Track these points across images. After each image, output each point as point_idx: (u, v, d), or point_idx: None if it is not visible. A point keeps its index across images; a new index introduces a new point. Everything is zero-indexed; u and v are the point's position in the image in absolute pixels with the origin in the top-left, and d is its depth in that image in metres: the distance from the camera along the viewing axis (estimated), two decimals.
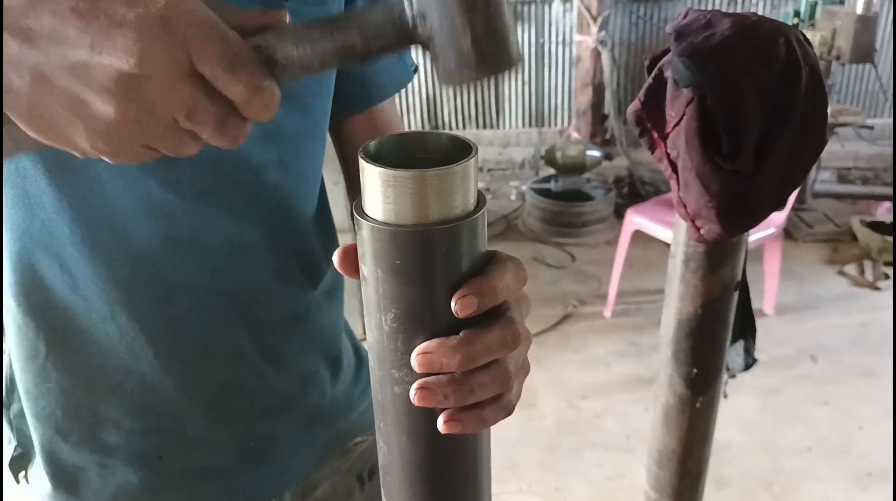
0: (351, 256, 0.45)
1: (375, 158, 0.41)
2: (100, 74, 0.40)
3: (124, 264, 0.69)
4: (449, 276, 0.42)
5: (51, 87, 0.41)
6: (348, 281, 0.92)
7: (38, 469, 0.81)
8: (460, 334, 0.43)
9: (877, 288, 3.48)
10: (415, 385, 0.43)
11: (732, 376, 0.89)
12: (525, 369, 0.49)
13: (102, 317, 0.71)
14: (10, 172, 0.66)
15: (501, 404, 0.47)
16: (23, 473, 0.84)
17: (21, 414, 0.81)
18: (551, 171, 4.31)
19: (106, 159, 0.44)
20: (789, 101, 0.71)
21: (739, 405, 2.73)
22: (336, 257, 0.45)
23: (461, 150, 0.43)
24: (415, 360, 0.42)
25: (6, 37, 0.40)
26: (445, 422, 0.44)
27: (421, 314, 0.43)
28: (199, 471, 0.81)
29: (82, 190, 0.66)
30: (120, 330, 0.72)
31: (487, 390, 0.45)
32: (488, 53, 0.42)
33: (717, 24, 0.73)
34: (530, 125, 4.93)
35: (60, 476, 0.79)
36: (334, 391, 0.89)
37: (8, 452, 0.85)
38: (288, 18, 0.46)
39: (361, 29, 0.43)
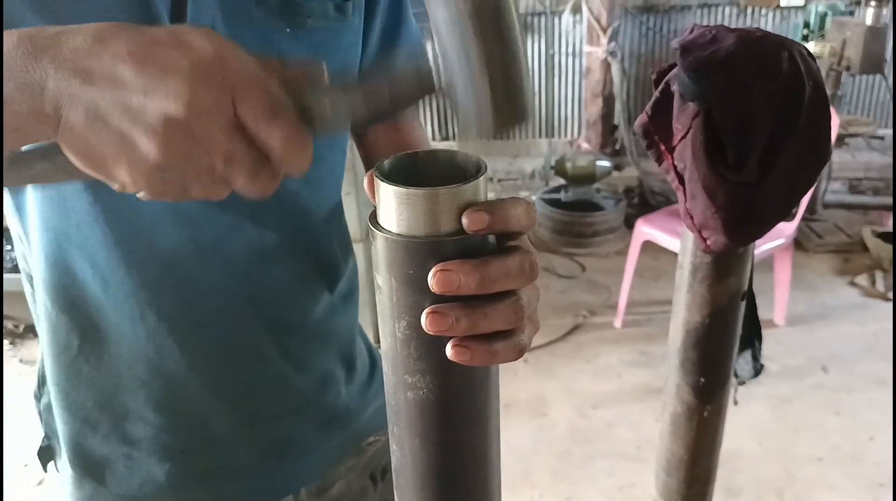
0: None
1: (389, 176, 0.43)
2: (149, 115, 0.42)
3: (152, 267, 0.73)
4: None
5: (103, 124, 0.43)
6: (362, 288, 0.94)
7: (65, 459, 0.84)
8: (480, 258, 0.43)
9: (888, 299, 3.46)
10: (426, 311, 0.43)
11: (742, 383, 0.90)
12: (535, 322, 0.49)
13: (132, 317, 0.74)
14: None
15: (513, 341, 0.46)
16: (52, 463, 0.87)
17: (49, 408, 0.84)
18: (561, 181, 4.32)
19: (141, 196, 0.46)
20: (793, 113, 0.73)
21: (751, 414, 2.73)
22: (367, 182, 0.46)
23: (472, 167, 0.45)
24: (432, 279, 0.42)
25: (69, 75, 0.42)
26: (454, 347, 0.43)
27: None
28: (220, 468, 0.84)
29: (114, 197, 0.69)
30: (148, 330, 0.75)
31: (501, 318, 0.44)
32: (506, 107, 0.44)
33: (722, 40, 0.75)
34: (541, 136, 4.95)
35: (88, 466, 0.82)
36: (349, 391, 0.92)
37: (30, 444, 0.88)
38: (326, 72, 0.48)
39: (392, 89, 0.45)
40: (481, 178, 0.43)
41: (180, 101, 0.42)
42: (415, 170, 0.46)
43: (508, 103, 0.44)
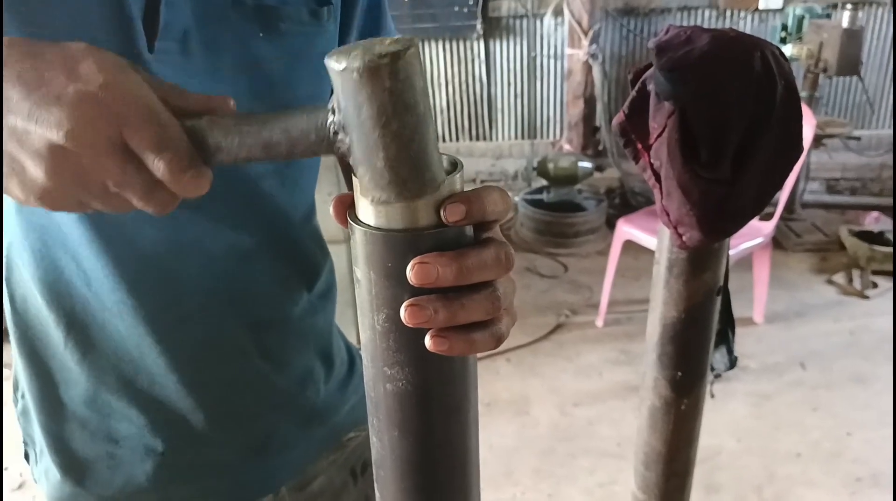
0: (344, 205, 0.46)
1: None
2: (33, 140, 0.42)
3: (133, 265, 0.73)
4: None
5: None
6: (340, 289, 0.95)
7: (42, 464, 0.84)
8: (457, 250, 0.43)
9: (865, 297, 3.51)
10: (405, 304, 0.43)
11: (717, 375, 0.92)
12: (512, 314, 0.49)
13: (113, 314, 0.75)
14: None
15: (491, 331, 0.46)
16: (35, 466, 0.87)
17: (25, 412, 0.84)
18: (543, 182, 4.34)
19: (46, 209, 0.47)
20: (766, 112, 0.74)
21: (731, 411, 2.76)
22: (332, 208, 0.47)
23: (448, 166, 0.46)
24: (411, 271, 0.42)
25: None
26: (433, 338, 0.44)
27: None
28: (201, 466, 0.84)
29: None
30: (128, 328, 0.75)
31: (479, 308, 0.45)
32: (401, 177, 0.41)
33: (696, 40, 0.76)
34: (523, 137, 4.97)
35: (69, 466, 0.82)
36: (328, 388, 0.93)
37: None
38: (232, 104, 0.48)
39: (286, 132, 0.44)
40: (457, 175, 0.44)
41: (63, 129, 0.42)
42: None
43: (407, 174, 0.41)
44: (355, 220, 0.45)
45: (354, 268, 0.46)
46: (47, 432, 0.82)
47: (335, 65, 0.40)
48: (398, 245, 0.43)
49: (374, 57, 0.38)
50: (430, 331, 0.44)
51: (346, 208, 0.46)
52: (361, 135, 0.41)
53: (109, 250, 0.72)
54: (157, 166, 0.43)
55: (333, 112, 0.42)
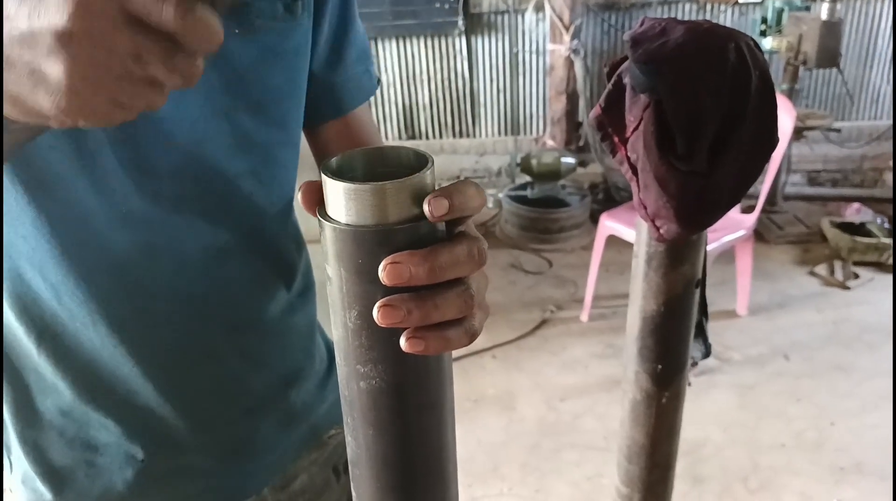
0: (313, 192, 0.45)
1: (337, 173, 0.43)
2: (41, 38, 0.41)
3: (102, 276, 0.72)
4: None
5: (9, 63, 0.43)
6: (319, 287, 0.95)
7: (20, 471, 0.82)
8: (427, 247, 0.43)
9: (847, 287, 3.54)
10: (378, 304, 0.43)
11: (695, 363, 0.92)
12: (485, 308, 0.49)
13: (85, 326, 0.73)
14: None
15: (465, 327, 0.46)
16: (9, 475, 0.86)
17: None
18: (527, 178, 4.34)
19: (83, 124, 0.45)
20: (740, 103, 0.74)
21: (715, 402, 2.77)
22: (300, 193, 0.46)
23: (419, 161, 0.45)
24: (383, 272, 0.42)
25: None
26: (408, 339, 0.44)
27: None
28: (182, 472, 0.83)
29: (60, 206, 0.68)
30: (101, 338, 0.74)
31: (452, 307, 0.44)
32: None
33: (671, 32, 0.76)
34: (506, 133, 4.97)
35: (48, 474, 0.81)
36: (307, 386, 0.92)
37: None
38: None
39: None
40: (427, 171, 0.44)
41: (64, 13, 0.41)
42: (363, 166, 0.47)
43: None
44: (325, 216, 0.44)
45: (325, 265, 0.46)
46: (24, 441, 0.80)
47: None
48: (368, 241, 0.43)
49: None
50: (405, 332, 0.44)
51: (315, 195, 0.45)
52: None
53: (77, 261, 0.70)
54: (165, 16, 0.42)
55: None
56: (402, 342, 0.44)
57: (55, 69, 0.42)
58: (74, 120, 0.45)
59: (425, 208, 0.42)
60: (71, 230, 0.69)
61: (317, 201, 0.45)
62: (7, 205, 0.68)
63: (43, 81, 0.43)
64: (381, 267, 0.42)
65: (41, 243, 0.69)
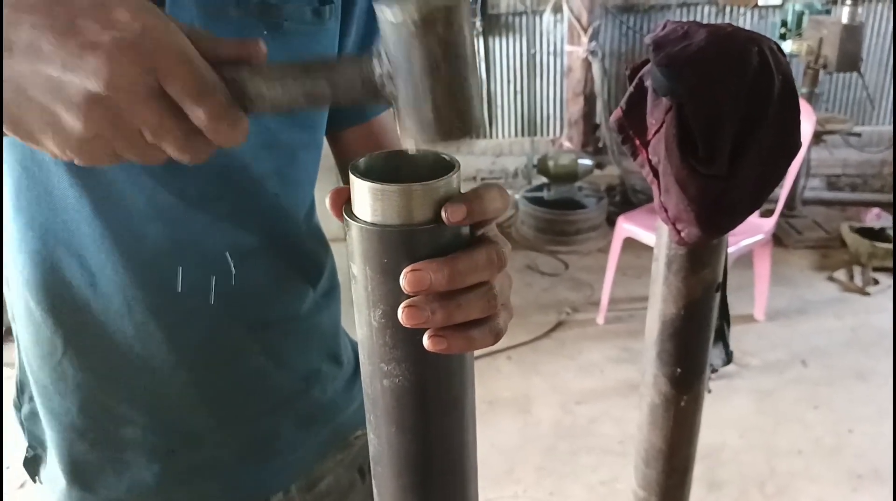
0: (342, 198, 0.46)
1: (365, 174, 0.44)
2: (70, 90, 0.42)
3: (139, 263, 0.73)
4: None
5: (26, 96, 0.43)
6: (343, 288, 0.95)
7: (51, 468, 0.83)
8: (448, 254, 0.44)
9: (866, 293, 3.51)
10: (402, 305, 0.43)
11: (714, 370, 0.92)
12: (509, 309, 0.50)
13: (119, 314, 0.74)
14: (35, 172, 0.69)
15: (489, 327, 0.47)
16: (37, 474, 0.87)
17: (32, 416, 0.84)
18: (544, 180, 4.34)
19: (76, 162, 0.46)
20: (762, 108, 0.74)
21: (733, 407, 2.76)
22: (328, 198, 0.47)
23: (446, 166, 0.46)
24: (404, 279, 0.42)
25: None
26: (430, 338, 0.44)
27: None
28: (206, 467, 0.84)
29: (101, 189, 0.70)
30: (136, 326, 0.75)
31: (475, 307, 0.45)
32: (448, 122, 0.43)
33: (693, 35, 0.76)
34: (523, 135, 4.97)
35: (76, 472, 0.82)
36: (334, 386, 0.92)
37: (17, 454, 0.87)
38: (264, 49, 0.47)
39: (331, 81, 0.45)
40: (454, 175, 0.44)
41: (101, 78, 0.41)
42: (390, 168, 0.47)
43: (451, 118, 0.43)
44: (351, 216, 0.45)
45: (350, 264, 0.46)
46: (52, 440, 0.81)
47: (390, 16, 0.41)
48: (394, 241, 0.43)
49: (432, 8, 0.40)
50: (428, 331, 0.44)
51: (343, 201, 0.46)
52: (411, 83, 0.42)
53: (116, 246, 0.71)
54: (197, 114, 0.43)
55: (380, 61, 0.44)
56: (425, 340, 0.44)
57: (73, 123, 0.43)
58: (70, 158, 0.46)
59: (443, 213, 0.43)
60: (110, 215, 0.70)
61: (343, 206, 0.46)
62: (49, 188, 0.69)
63: (56, 126, 0.43)
64: (402, 275, 0.43)
65: (82, 225, 0.70)
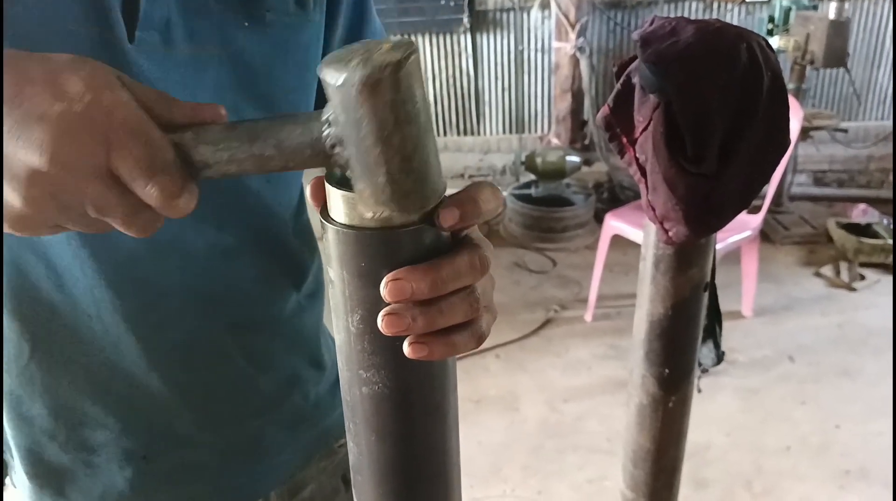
0: (321, 187, 0.44)
1: (341, 181, 0.42)
2: (13, 164, 0.40)
3: (109, 264, 0.70)
4: None
5: None
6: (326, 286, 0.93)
7: (20, 473, 0.81)
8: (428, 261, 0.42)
9: (853, 289, 3.53)
10: (382, 313, 0.42)
11: (705, 371, 0.91)
12: (492, 310, 0.49)
13: (88, 316, 0.72)
14: None
15: (471, 331, 0.45)
16: (8, 479, 0.84)
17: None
18: (532, 177, 4.33)
19: (16, 233, 0.44)
20: (751, 105, 0.73)
21: (719, 405, 2.76)
22: (309, 190, 0.45)
23: None
24: (385, 289, 0.41)
25: None
26: (411, 345, 0.43)
27: None
28: (185, 470, 0.82)
29: None
30: (105, 328, 0.73)
31: (457, 312, 0.44)
32: (404, 191, 0.40)
33: (681, 31, 0.75)
34: (510, 132, 4.96)
35: (46, 477, 0.79)
36: (318, 390, 0.90)
37: None
38: (223, 114, 0.45)
39: (279, 146, 0.42)
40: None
41: (45, 153, 0.39)
42: None
43: (408, 186, 0.40)
44: (327, 218, 0.43)
45: (327, 268, 0.45)
46: (17, 445, 0.79)
47: (331, 79, 0.38)
48: (372, 244, 0.42)
49: (375, 69, 0.36)
50: (409, 337, 0.43)
51: (323, 191, 0.44)
52: (361, 150, 0.39)
53: (87, 246, 0.69)
54: (150, 193, 0.41)
55: (329, 125, 0.40)
56: (406, 347, 0.43)
57: (12, 197, 0.41)
58: (9, 230, 0.43)
59: (436, 218, 0.42)
60: None
61: (324, 197, 0.44)
62: None
63: None
64: (382, 284, 0.42)
65: None
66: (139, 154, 0.40)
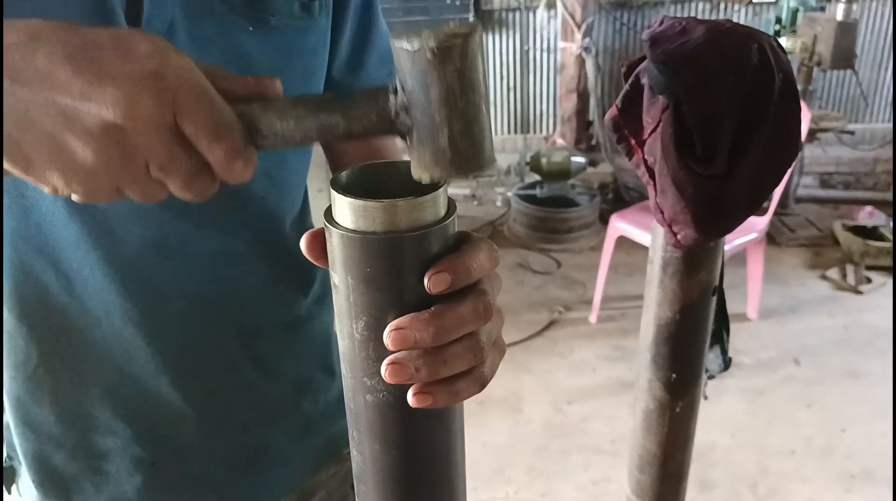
0: (318, 241, 0.45)
1: (347, 188, 0.42)
2: (85, 119, 0.41)
3: (118, 267, 0.70)
4: (419, 283, 0.42)
5: (34, 127, 0.41)
6: None
7: (26, 480, 0.80)
8: (432, 307, 0.43)
9: (859, 292, 3.51)
10: (385, 361, 0.43)
11: (711, 377, 0.90)
12: (500, 347, 0.49)
13: (97, 319, 0.71)
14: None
15: (474, 376, 0.46)
16: (14, 486, 0.83)
17: (7, 426, 0.80)
18: (536, 177, 4.32)
19: (74, 198, 0.45)
20: (762, 107, 0.72)
21: (725, 407, 2.74)
22: (303, 243, 0.46)
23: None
24: (388, 337, 0.42)
25: None
26: (415, 395, 0.44)
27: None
28: (192, 479, 0.81)
29: None
30: (115, 332, 0.72)
31: (460, 361, 0.44)
32: (463, 154, 0.42)
33: (691, 31, 0.74)
34: (515, 132, 4.95)
35: (53, 484, 0.78)
36: (327, 398, 0.89)
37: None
38: (279, 87, 0.46)
39: (345, 113, 0.44)
40: (440, 190, 0.43)
41: (118, 108, 0.40)
42: (374, 181, 0.46)
43: (467, 151, 0.42)
44: (332, 222, 0.42)
45: (331, 273, 0.44)
46: (24, 452, 0.78)
47: (406, 45, 0.40)
48: (377, 249, 0.41)
49: (447, 38, 0.40)
50: (413, 387, 0.44)
51: (320, 243, 0.45)
52: (427, 115, 0.41)
53: (93, 250, 0.68)
54: (214, 152, 0.43)
55: (395, 93, 0.43)
56: (410, 398, 0.44)
57: (84, 153, 0.41)
58: (71, 193, 0.44)
59: (425, 282, 0.42)
60: (87, 217, 0.67)
61: (322, 250, 0.45)
62: (21, 191, 0.66)
63: (66, 157, 0.42)
64: (385, 333, 0.42)
65: (56, 228, 0.67)
66: (204, 114, 0.42)
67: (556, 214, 4.10)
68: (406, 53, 0.41)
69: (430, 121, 0.42)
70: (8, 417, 0.78)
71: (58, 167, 0.42)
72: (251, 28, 0.69)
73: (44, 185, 0.44)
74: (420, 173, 0.43)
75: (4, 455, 0.83)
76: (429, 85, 0.41)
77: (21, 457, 0.79)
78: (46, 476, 0.78)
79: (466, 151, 0.42)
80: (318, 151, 0.88)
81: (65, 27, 0.42)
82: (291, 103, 0.44)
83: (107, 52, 0.41)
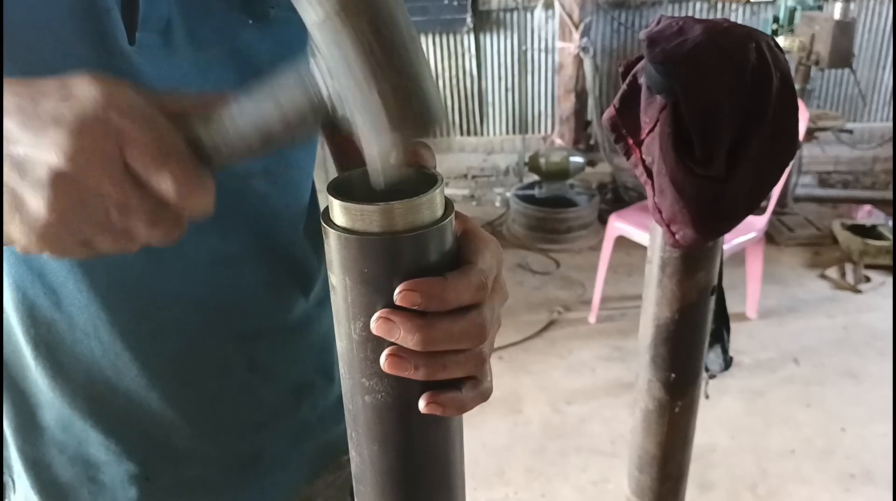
0: None
1: (345, 190, 0.42)
2: (34, 169, 0.41)
3: (104, 278, 0.68)
4: None
5: None
6: None
7: (20, 495, 0.79)
8: (427, 315, 0.43)
9: (858, 291, 3.51)
10: (386, 351, 0.43)
11: (712, 376, 0.90)
12: (498, 321, 0.50)
13: (86, 333, 0.70)
14: None
15: (479, 390, 0.48)
16: (12, 495, 0.83)
17: (6, 442, 0.80)
18: (535, 177, 4.32)
19: (46, 255, 0.45)
20: (760, 106, 0.72)
21: (724, 407, 2.74)
22: None
23: (428, 179, 0.44)
24: (374, 323, 0.42)
25: None
26: (427, 404, 0.45)
27: None
28: (187, 486, 0.79)
29: None
30: (103, 346, 0.71)
31: (460, 368, 0.45)
32: (400, 114, 0.39)
33: (688, 31, 0.74)
34: (514, 132, 4.95)
35: (50, 492, 0.77)
36: (326, 403, 0.87)
37: None
38: (231, 100, 0.45)
39: (283, 116, 0.42)
40: (437, 191, 0.42)
41: (63, 153, 0.40)
42: (370, 184, 0.45)
43: (404, 109, 0.39)
44: (329, 223, 0.42)
45: (329, 274, 0.44)
46: (25, 457, 0.77)
47: (312, 15, 0.39)
48: (374, 249, 0.41)
49: None
50: (424, 396, 0.45)
51: None
52: (353, 81, 0.39)
53: (77, 263, 0.67)
54: (163, 179, 0.42)
55: (320, 71, 0.41)
56: (422, 405, 0.45)
57: (37, 203, 0.42)
58: (38, 251, 0.44)
59: (395, 297, 0.42)
60: None
61: None
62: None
63: (21, 209, 0.42)
64: (372, 320, 0.42)
65: None
66: (147, 141, 0.42)
67: (554, 214, 4.10)
68: (313, 24, 0.40)
69: (358, 87, 0.39)
70: (7, 425, 0.77)
71: (17, 222, 0.42)
72: (251, 22, 0.68)
73: (13, 243, 0.44)
74: (370, 149, 0.40)
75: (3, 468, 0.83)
76: (344, 48, 0.39)
77: (21, 463, 0.78)
78: (46, 483, 0.77)
79: (403, 111, 0.39)
80: (318, 152, 0.88)
81: (17, 81, 0.43)
82: (228, 110, 0.43)
83: (50, 99, 0.42)
